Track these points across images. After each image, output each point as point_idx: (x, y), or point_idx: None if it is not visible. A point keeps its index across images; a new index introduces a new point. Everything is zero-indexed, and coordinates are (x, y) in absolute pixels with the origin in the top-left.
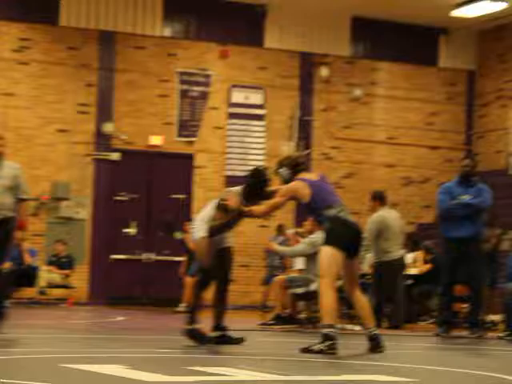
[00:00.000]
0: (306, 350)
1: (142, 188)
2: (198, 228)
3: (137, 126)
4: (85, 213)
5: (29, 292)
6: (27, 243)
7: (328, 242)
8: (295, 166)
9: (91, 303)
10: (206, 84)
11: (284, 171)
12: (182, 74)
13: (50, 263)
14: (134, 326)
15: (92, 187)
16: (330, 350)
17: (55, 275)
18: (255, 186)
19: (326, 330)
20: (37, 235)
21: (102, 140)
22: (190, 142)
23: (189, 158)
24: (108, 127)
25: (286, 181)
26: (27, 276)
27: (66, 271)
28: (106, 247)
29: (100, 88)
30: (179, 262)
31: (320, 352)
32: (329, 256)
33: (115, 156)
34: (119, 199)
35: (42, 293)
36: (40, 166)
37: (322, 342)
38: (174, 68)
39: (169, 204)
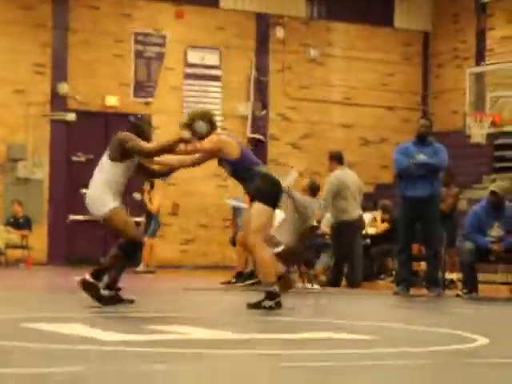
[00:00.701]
0: (254, 306)
1: (98, 148)
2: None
3: (92, 86)
4: (42, 173)
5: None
6: None
7: (260, 198)
8: (212, 122)
9: (50, 264)
10: (162, 45)
11: (201, 125)
12: (137, 34)
13: (8, 224)
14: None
15: (48, 148)
16: (277, 307)
17: (13, 236)
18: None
19: (272, 288)
20: None
21: (58, 101)
22: (147, 103)
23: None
24: (63, 88)
25: (202, 136)
26: None
27: (24, 232)
28: (64, 208)
29: (54, 48)
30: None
31: (270, 308)
32: (261, 213)
33: (71, 117)
34: (76, 160)
35: (0, 253)
36: None
37: (270, 299)
38: (130, 28)
39: None
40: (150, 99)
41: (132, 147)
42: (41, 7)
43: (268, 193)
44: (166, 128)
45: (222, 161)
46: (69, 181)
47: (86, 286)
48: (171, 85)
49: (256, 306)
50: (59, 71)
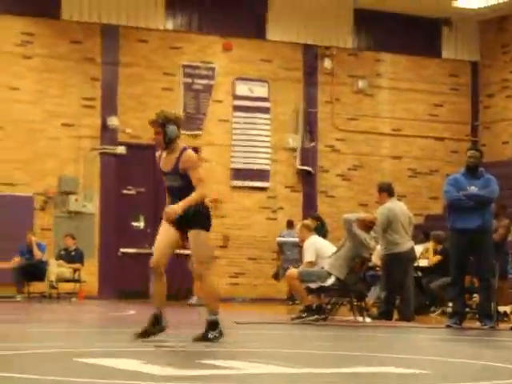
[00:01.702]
0: (202, 339)
1: (148, 181)
2: None
3: (142, 119)
4: (92, 207)
5: (39, 286)
6: (36, 238)
7: (204, 225)
8: (179, 127)
9: (101, 297)
10: (210, 77)
11: (174, 130)
12: (185, 67)
13: (60, 257)
14: (146, 320)
15: (99, 181)
16: (221, 336)
17: (65, 269)
18: None
19: (215, 317)
20: (45, 229)
21: (108, 134)
22: (195, 136)
23: (194, 151)
24: (113, 121)
25: (169, 138)
26: (37, 270)
27: (76, 265)
28: (115, 241)
29: (104, 82)
30: (187, 255)
31: (215, 339)
32: (207, 241)
33: (121, 150)
34: (126, 193)
35: (52, 287)
36: (46, 160)
37: (215, 329)
38: (178, 61)
39: None
40: (198, 132)
41: None
42: (90, 42)
43: (208, 218)
44: (214, 160)
45: (179, 174)
46: (119, 214)
47: None
48: (219, 117)
49: (204, 338)
50: (109, 105)
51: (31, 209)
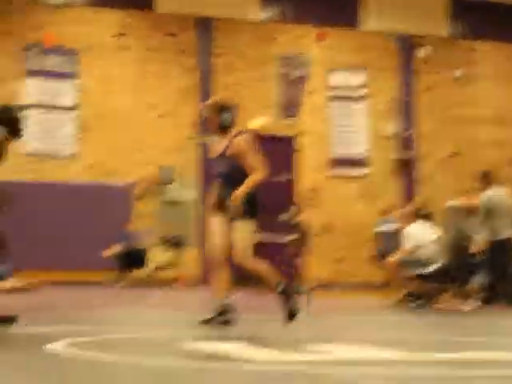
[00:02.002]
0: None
1: None
2: None
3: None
4: (191, 194)
5: (140, 273)
6: (137, 225)
7: (248, 214)
8: (234, 115)
9: (202, 283)
10: (305, 67)
11: (228, 116)
12: (280, 57)
13: (160, 244)
14: (246, 305)
15: (197, 169)
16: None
17: (166, 256)
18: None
19: (283, 286)
20: (146, 217)
21: (205, 123)
22: (291, 125)
23: (290, 140)
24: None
25: (223, 125)
26: (138, 257)
27: (176, 252)
28: None
29: (200, 72)
30: (284, 243)
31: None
32: (252, 230)
33: (217, 139)
34: None
35: (152, 273)
36: (145, 149)
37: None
38: (273, 52)
39: (272, 187)
40: (293, 122)
41: None
42: (185, 34)
43: (253, 207)
44: (310, 150)
45: (226, 158)
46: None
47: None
48: (315, 107)
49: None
50: (205, 95)
51: (130, 197)
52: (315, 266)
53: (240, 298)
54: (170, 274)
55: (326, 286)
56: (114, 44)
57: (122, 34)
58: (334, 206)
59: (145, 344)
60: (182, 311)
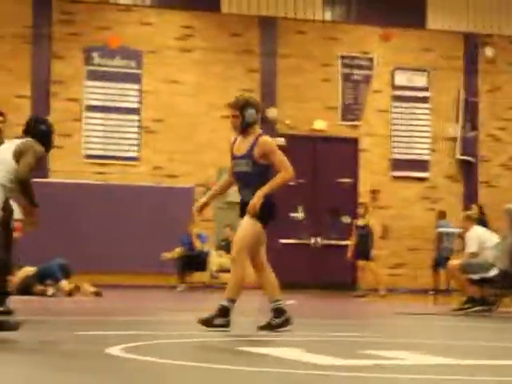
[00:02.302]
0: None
1: (307, 173)
2: None
3: (300, 110)
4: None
5: (200, 276)
6: (197, 228)
7: (262, 217)
8: (258, 112)
9: (261, 287)
10: (369, 67)
11: (252, 112)
12: (344, 57)
13: (220, 248)
14: (306, 310)
15: None
16: (228, 325)
17: (225, 260)
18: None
19: (231, 304)
20: (206, 220)
21: (267, 125)
22: (355, 126)
23: (353, 141)
24: (272, 112)
25: (247, 123)
26: (199, 261)
27: None
28: (274, 232)
29: (263, 73)
30: (346, 246)
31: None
32: (257, 233)
33: (280, 141)
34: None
35: (213, 277)
36: (206, 152)
37: (224, 316)
38: (336, 52)
39: (334, 188)
40: (357, 122)
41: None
42: (249, 34)
43: (269, 214)
44: (373, 151)
45: (252, 159)
46: (278, 205)
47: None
48: (379, 107)
49: (207, 323)
50: (268, 96)
51: (192, 200)
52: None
53: (297, 302)
54: (229, 277)
55: (386, 290)
56: (177, 45)
57: (185, 36)
58: (395, 208)
59: (204, 348)
60: (241, 315)
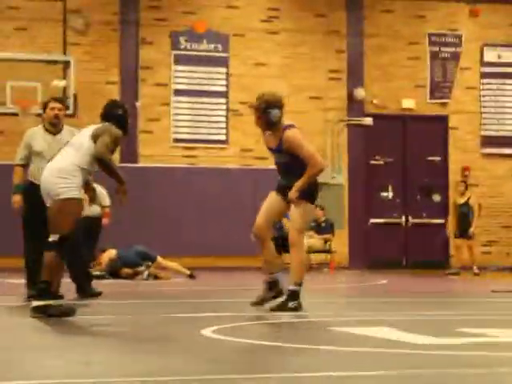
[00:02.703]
0: (280, 308)
1: (396, 151)
2: None
3: (388, 90)
4: (341, 178)
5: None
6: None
7: (308, 197)
8: (282, 108)
9: (352, 267)
10: (457, 44)
11: (276, 112)
12: (432, 35)
13: (311, 229)
14: (399, 289)
15: (347, 152)
16: (299, 307)
17: (316, 240)
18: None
19: (298, 288)
20: None
21: (354, 105)
22: (443, 104)
23: (443, 119)
24: (359, 92)
25: (272, 122)
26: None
27: (327, 236)
28: (364, 211)
29: (350, 54)
30: (437, 224)
31: (294, 309)
32: (310, 212)
33: (368, 121)
34: (374, 163)
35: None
36: None
37: (293, 300)
38: (424, 30)
39: (424, 166)
40: (446, 100)
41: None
42: (335, 15)
43: (313, 192)
44: (463, 129)
45: (284, 152)
46: (367, 184)
47: None
48: (467, 84)
49: (281, 307)
50: (355, 76)
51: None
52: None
53: (389, 282)
54: (320, 258)
55: (478, 268)
56: (263, 28)
57: (272, 18)
58: (486, 186)
59: (296, 329)
60: (331, 295)
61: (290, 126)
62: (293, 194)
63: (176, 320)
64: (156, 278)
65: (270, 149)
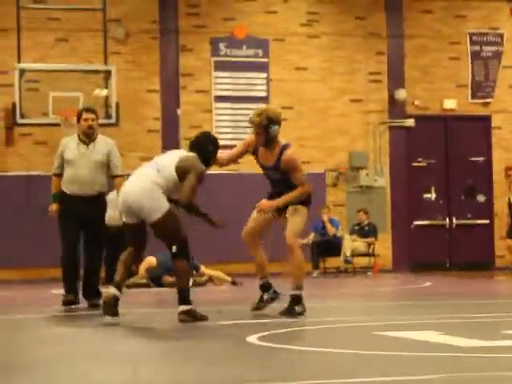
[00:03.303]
0: (288, 313)
1: (438, 153)
2: None
3: (430, 90)
4: (383, 180)
5: (334, 262)
6: (329, 214)
7: (303, 202)
8: (280, 124)
9: (396, 270)
10: (499, 43)
11: (275, 128)
12: (472, 34)
13: (353, 232)
14: (443, 292)
15: (388, 155)
16: (305, 311)
17: (359, 244)
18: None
19: (300, 292)
20: (338, 205)
21: (396, 107)
22: (486, 104)
23: (485, 119)
24: (401, 94)
25: (271, 138)
26: (331, 246)
27: (370, 239)
28: (407, 214)
29: (390, 55)
30: (482, 225)
31: (301, 314)
32: (304, 216)
33: (409, 122)
34: (416, 165)
35: (347, 262)
36: (336, 137)
37: (299, 304)
38: (464, 29)
39: (467, 167)
40: (488, 100)
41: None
42: (374, 17)
43: (310, 196)
44: (506, 128)
45: (279, 170)
46: (410, 186)
47: None
48: (510, 83)
49: (289, 312)
50: (396, 78)
51: (324, 185)
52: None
53: (433, 284)
54: (364, 261)
55: None
56: (303, 32)
57: (311, 21)
58: None
59: (342, 334)
60: (375, 299)
61: (289, 146)
62: (268, 205)
63: (221, 327)
64: (210, 280)
65: (265, 167)
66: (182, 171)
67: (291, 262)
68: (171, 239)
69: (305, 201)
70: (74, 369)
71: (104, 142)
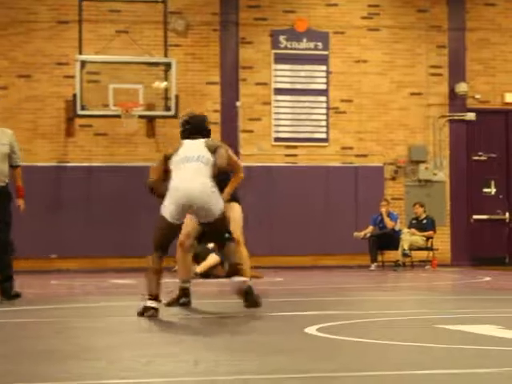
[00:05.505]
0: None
1: (499, 147)
2: None
3: (491, 84)
4: (443, 174)
5: (392, 255)
6: (388, 207)
7: (236, 199)
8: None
9: (454, 264)
10: None
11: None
12: None
13: (411, 226)
14: (503, 286)
15: (448, 148)
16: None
17: (417, 238)
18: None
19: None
20: (396, 199)
21: (456, 101)
22: None
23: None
24: (462, 87)
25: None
26: (390, 240)
27: (428, 233)
28: (467, 208)
29: (451, 48)
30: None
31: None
32: (240, 212)
33: (470, 116)
34: (477, 159)
35: (405, 255)
36: (396, 130)
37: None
38: None
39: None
40: None
41: None
42: (436, 9)
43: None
44: None
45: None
46: (470, 180)
47: None
48: None
49: (253, 303)
50: (457, 71)
51: (383, 179)
52: None
53: (492, 278)
54: (422, 255)
55: None
56: (363, 24)
57: (372, 14)
58: None
59: (399, 327)
60: (434, 293)
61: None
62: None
63: (277, 318)
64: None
65: None
66: (213, 150)
67: (243, 253)
68: (227, 228)
69: (237, 199)
70: (136, 358)
71: (4, 134)
